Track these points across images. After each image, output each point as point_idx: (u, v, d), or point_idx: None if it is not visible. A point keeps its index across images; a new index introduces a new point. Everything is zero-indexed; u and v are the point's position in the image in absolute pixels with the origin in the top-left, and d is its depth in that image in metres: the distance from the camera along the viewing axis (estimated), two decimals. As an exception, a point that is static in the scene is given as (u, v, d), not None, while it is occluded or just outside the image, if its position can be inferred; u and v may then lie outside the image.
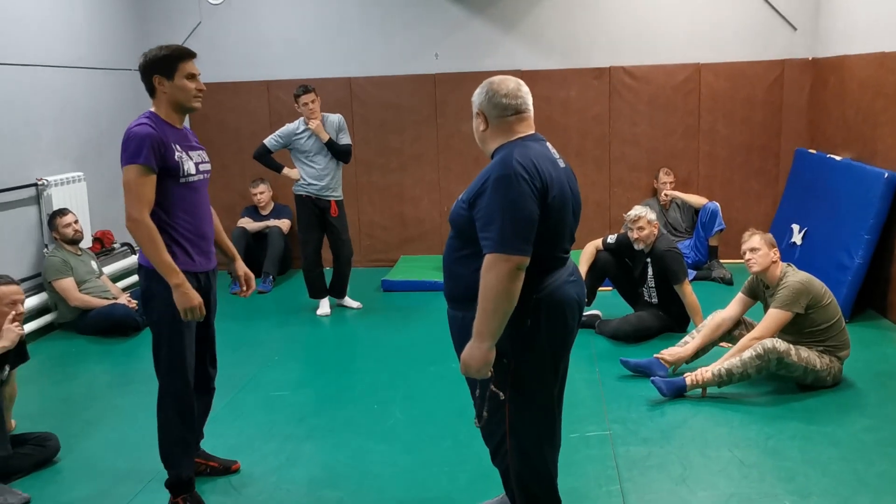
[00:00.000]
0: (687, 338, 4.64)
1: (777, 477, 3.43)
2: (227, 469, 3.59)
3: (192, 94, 3.13)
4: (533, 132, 2.69)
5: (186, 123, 3.33)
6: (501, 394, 2.60)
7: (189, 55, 3.12)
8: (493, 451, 2.84)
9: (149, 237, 2.99)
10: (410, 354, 5.23)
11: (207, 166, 3.29)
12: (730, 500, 3.26)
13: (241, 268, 3.51)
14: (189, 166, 3.12)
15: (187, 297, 3.02)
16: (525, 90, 2.69)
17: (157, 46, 3.14)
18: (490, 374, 2.55)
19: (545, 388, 2.72)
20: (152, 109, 3.15)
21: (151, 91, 3.13)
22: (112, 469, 3.74)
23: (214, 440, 3.79)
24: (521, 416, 2.68)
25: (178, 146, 3.11)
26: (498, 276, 2.43)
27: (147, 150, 2.98)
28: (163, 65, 3.07)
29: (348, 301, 6.41)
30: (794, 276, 4.27)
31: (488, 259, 2.45)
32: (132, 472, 3.69)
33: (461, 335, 2.69)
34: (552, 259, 2.62)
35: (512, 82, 2.68)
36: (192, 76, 3.11)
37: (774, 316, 4.21)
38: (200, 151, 3.27)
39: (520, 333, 2.57)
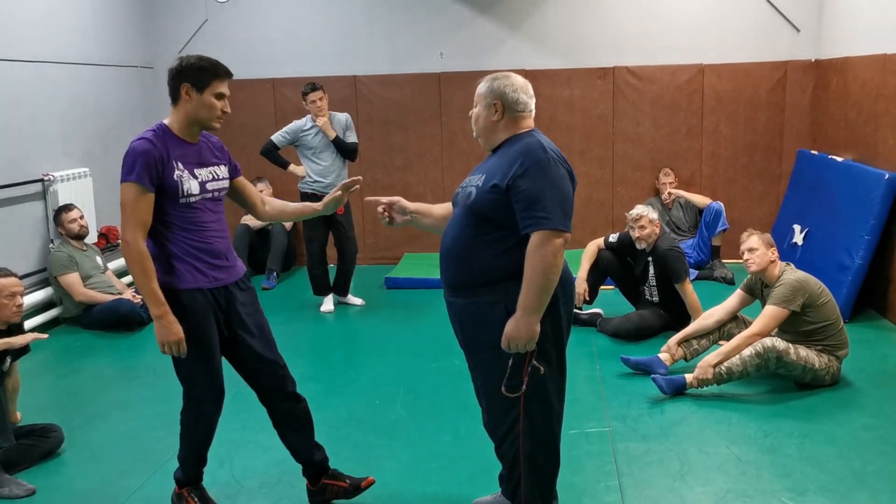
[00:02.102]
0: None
1: (774, 474, 3.46)
2: (357, 488, 3.31)
3: (216, 115, 2.97)
4: (534, 127, 2.82)
5: None
6: (542, 368, 2.70)
7: (225, 74, 2.98)
8: (502, 438, 2.85)
9: (138, 262, 2.84)
10: (412, 350, 5.27)
11: (220, 184, 3.08)
12: (727, 495, 3.29)
13: (325, 201, 3.25)
14: (190, 186, 2.94)
15: (167, 330, 2.86)
16: (532, 90, 2.84)
17: (196, 55, 2.98)
18: (534, 349, 2.66)
19: (560, 367, 2.81)
20: (166, 121, 3.00)
21: (175, 98, 2.97)
22: (116, 461, 3.78)
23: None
24: (537, 396, 2.74)
25: (180, 163, 2.93)
26: (551, 251, 2.57)
27: (141, 167, 2.83)
28: (196, 76, 2.92)
29: (351, 298, 6.45)
30: (792, 275, 4.30)
31: (538, 237, 2.58)
32: (136, 465, 3.73)
33: (476, 320, 2.75)
34: None
35: (521, 79, 2.82)
36: (221, 96, 2.96)
37: (770, 312, 4.24)
38: (214, 168, 3.06)
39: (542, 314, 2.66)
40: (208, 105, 2.95)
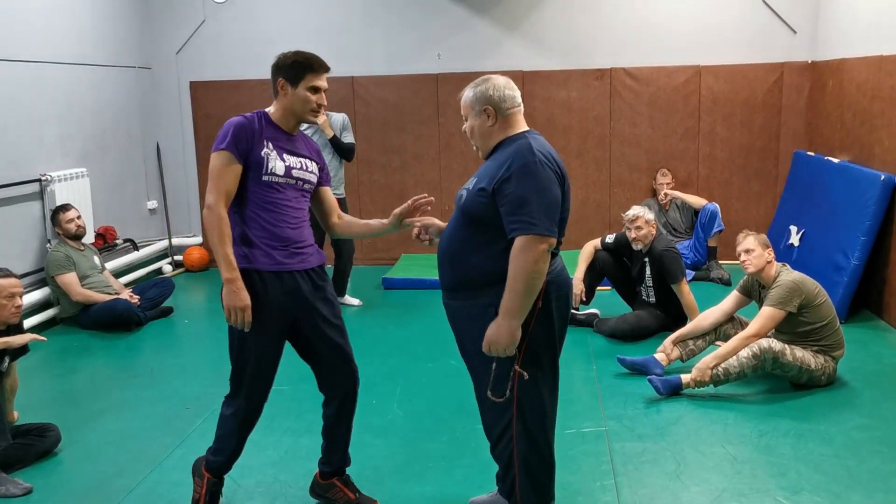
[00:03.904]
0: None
1: (769, 473, 3.47)
2: None
3: (310, 108, 3.00)
4: (529, 127, 2.80)
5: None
6: (526, 374, 2.69)
7: (320, 68, 3.00)
8: (497, 439, 2.86)
9: (216, 226, 2.85)
10: (409, 351, 5.28)
11: (307, 176, 3.07)
12: (722, 495, 3.30)
13: (392, 218, 3.12)
14: (276, 165, 2.96)
15: (235, 296, 2.82)
16: (514, 85, 2.82)
17: (294, 51, 3.04)
18: (514, 353, 2.64)
19: (552, 370, 2.82)
20: (268, 108, 3.07)
21: (274, 92, 3.06)
22: (113, 461, 3.78)
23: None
24: (529, 399, 2.75)
25: (271, 144, 2.97)
26: (533, 256, 2.55)
27: (231, 138, 2.91)
28: (290, 71, 2.98)
29: (348, 299, 6.46)
30: (788, 276, 4.32)
31: (521, 241, 2.56)
32: (133, 464, 3.73)
33: (471, 322, 2.75)
34: (557, 244, 2.71)
35: (502, 78, 2.81)
36: (315, 89, 3.00)
37: (767, 314, 4.25)
38: (305, 160, 3.07)
39: (532, 316, 2.66)
40: (303, 99, 2.99)
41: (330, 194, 3.27)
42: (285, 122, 3.05)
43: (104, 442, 4.00)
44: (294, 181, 3.03)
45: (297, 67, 2.99)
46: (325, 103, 3.07)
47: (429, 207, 3.09)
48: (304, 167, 3.08)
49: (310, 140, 3.21)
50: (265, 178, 2.96)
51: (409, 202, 3.09)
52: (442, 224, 3.02)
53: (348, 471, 3.34)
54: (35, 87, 6.14)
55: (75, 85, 6.65)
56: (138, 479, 3.59)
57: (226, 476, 3.27)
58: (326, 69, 3.04)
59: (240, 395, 3.06)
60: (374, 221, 3.32)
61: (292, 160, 3.03)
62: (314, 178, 3.13)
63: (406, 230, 3.14)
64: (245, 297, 2.84)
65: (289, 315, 3.02)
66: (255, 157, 2.94)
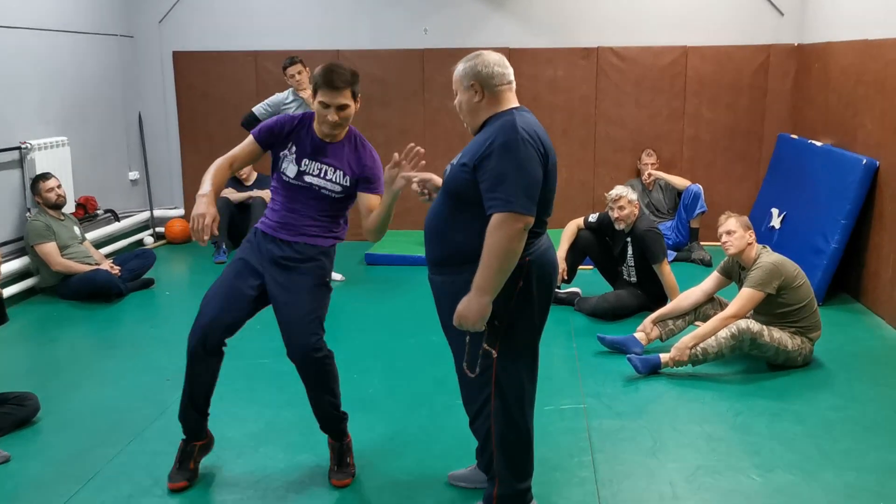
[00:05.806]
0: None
1: (743, 451, 3.53)
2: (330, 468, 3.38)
3: (321, 121, 3.07)
4: (519, 104, 2.77)
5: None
6: (494, 351, 2.69)
7: (327, 85, 3.02)
8: (475, 415, 2.88)
9: (212, 165, 3.09)
10: (391, 326, 5.30)
11: (324, 183, 3.13)
12: (697, 471, 3.35)
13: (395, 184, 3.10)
14: (289, 168, 3.12)
15: (198, 204, 2.91)
16: (507, 62, 2.79)
17: (325, 63, 3.14)
18: (484, 328, 2.64)
19: (531, 349, 2.82)
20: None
21: None
22: (92, 430, 3.78)
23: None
24: (507, 376, 2.75)
25: (295, 147, 3.13)
26: (507, 234, 2.53)
27: (261, 127, 3.17)
28: (313, 82, 3.09)
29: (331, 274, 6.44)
30: (768, 258, 4.36)
31: (497, 218, 2.54)
32: (112, 434, 3.73)
33: (451, 297, 2.73)
34: (541, 223, 2.71)
35: (495, 55, 2.78)
36: (325, 105, 3.04)
37: (747, 295, 4.29)
38: (328, 168, 3.13)
39: (512, 294, 2.66)
40: (316, 111, 3.10)
41: (366, 199, 3.21)
42: (318, 128, 3.15)
43: (83, 412, 3.99)
44: (306, 185, 3.12)
45: (315, 80, 3.06)
46: (337, 119, 3.07)
47: (421, 150, 3.06)
48: (323, 174, 3.13)
49: (362, 153, 3.21)
50: (278, 174, 3.19)
51: (397, 156, 3.06)
52: (439, 181, 2.99)
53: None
54: (15, 54, 6.05)
55: (56, 52, 6.56)
56: (118, 448, 3.59)
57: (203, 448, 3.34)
58: (337, 87, 3.04)
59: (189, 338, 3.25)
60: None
61: (311, 165, 3.12)
62: (336, 188, 3.15)
63: (407, 187, 3.08)
64: (207, 211, 2.89)
65: (252, 261, 3.20)
66: (275, 155, 3.17)
